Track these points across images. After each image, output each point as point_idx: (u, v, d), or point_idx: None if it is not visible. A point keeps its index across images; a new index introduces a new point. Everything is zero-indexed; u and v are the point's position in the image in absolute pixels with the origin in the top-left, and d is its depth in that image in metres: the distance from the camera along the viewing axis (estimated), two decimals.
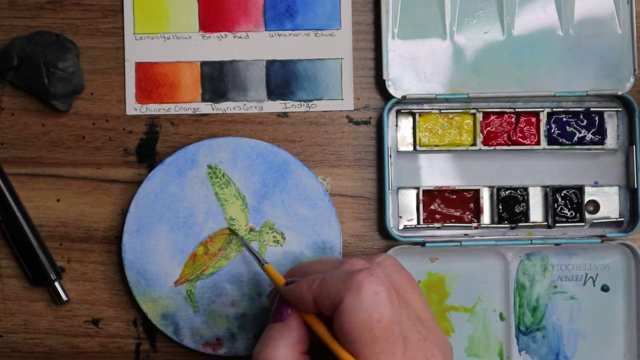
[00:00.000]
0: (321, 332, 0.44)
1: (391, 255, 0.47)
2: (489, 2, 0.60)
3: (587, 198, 0.59)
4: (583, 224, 0.59)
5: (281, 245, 0.58)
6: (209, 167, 0.58)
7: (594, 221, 0.59)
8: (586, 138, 0.60)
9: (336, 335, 0.43)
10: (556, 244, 0.59)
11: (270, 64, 0.60)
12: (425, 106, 0.59)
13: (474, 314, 0.59)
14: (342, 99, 0.60)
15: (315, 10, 0.60)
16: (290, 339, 0.44)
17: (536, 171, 0.60)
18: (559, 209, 0.59)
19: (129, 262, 0.57)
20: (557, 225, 0.59)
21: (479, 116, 0.59)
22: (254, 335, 0.57)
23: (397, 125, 0.60)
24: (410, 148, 0.59)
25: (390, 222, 0.58)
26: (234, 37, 0.60)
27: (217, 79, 0.60)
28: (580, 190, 0.59)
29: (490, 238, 0.59)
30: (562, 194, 0.59)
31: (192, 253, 0.57)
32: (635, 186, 0.59)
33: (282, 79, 0.60)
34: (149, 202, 0.57)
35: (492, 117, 0.60)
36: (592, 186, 0.60)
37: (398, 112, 0.60)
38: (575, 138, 0.60)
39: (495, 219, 0.59)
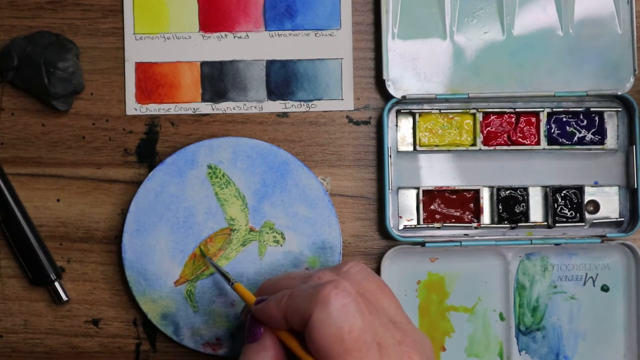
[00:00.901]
0: (295, 348, 0.44)
1: (358, 262, 0.47)
2: (489, 2, 0.60)
3: (587, 198, 0.59)
4: (583, 224, 0.59)
5: (281, 245, 0.58)
6: (209, 167, 0.58)
7: (594, 221, 0.59)
8: (586, 138, 0.60)
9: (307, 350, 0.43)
10: (556, 244, 0.59)
11: (270, 64, 0.60)
12: (425, 106, 0.59)
13: (474, 314, 0.59)
14: (342, 99, 0.60)
15: (315, 10, 0.60)
16: (267, 359, 0.44)
17: (536, 171, 0.60)
18: (559, 209, 0.59)
19: (129, 262, 0.57)
20: (557, 225, 0.59)
21: (479, 116, 0.59)
22: None
23: (397, 125, 0.60)
24: (410, 148, 0.59)
25: (390, 222, 0.58)
26: (234, 37, 0.60)
27: (217, 79, 0.60)
28: (580, 190, 0.59)
29: (490, 238, 0.59)
30: (562, 194, 0.59)
31: (192, 253, 0.57)
32: (635, 186, 0.59)
33: (282, 79, 0.60)
34: (149, 202, 0.57)
35: (492, 117, 0.60)
36: (592, 186, 0.60)
37: (398, 112, 0.60)
38: (575, 138, 0.60)
39: (495, 219, 0.59)
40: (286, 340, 0.45)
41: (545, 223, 0.59)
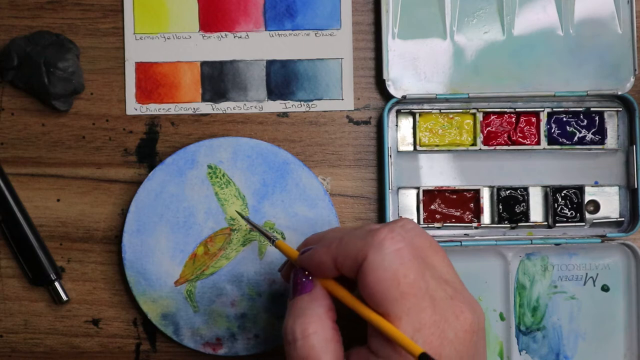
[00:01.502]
0: (344, 296, 0.42)
1: (411, 219, 0.45)
2: (489, 2, 0.60)
3: (587, 198, 0.59)
4: (583, 224, 0.59)
5: None
6: (209, 167, 0.58)
7: (594, 221, 0.59)
8: (586, 138, 0.60)
9: (361, 298, 0.42)
10: (556, 244, 0.59)
11: (270, 64, 0.60)
12: (426, 106, 0.59)
13: None
14: (342, 99, 0.60)
15: (315, 10, 0.60)
16: (322, 308, 0.43)
17: (536, 171, 0.60)
18: (559, 209, 0.59)
19: (129, 262, 0.57)
20: (557, 225, 0.59)
21: (479, 116, 0.59)
22: (254, 335, 0.57)
23: (397, 125, 0.60)
24: (411, 148, 0.59)
25: None
26: (234, 37, 0.60)
27: (217, 79, 0.60)
28: (580, 190, 0.59)
29: (491, 238, 0.59)
30: (563, 194, 0.59)
31: (192, 253, 0.57)
32: (636, 186, 0.59)
33: (282, 79, 0.60)
34: (149, 202, 0.57)
35: (492, 117, 0.60)
36: (592, 186, 0.60)
37: (398, 112, 0.60)
38: (576, 138, 0.60)
39: (496, 218, 0.59)
40: (334, 290, 0.43)
41: (546, 223, 0.59)
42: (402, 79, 0.59)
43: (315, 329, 0.42)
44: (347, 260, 0.42)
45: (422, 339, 0.40)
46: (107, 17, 0.60)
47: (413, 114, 0.59)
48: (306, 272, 0.44)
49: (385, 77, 0.59)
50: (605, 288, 0.60)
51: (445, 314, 0.41)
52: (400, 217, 0.45)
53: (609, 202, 0.60)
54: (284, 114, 0.60)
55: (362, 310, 0.41)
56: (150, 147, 0.60)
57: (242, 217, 0.55)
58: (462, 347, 0.41)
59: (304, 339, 0.42)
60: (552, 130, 0.60)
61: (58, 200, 0.59)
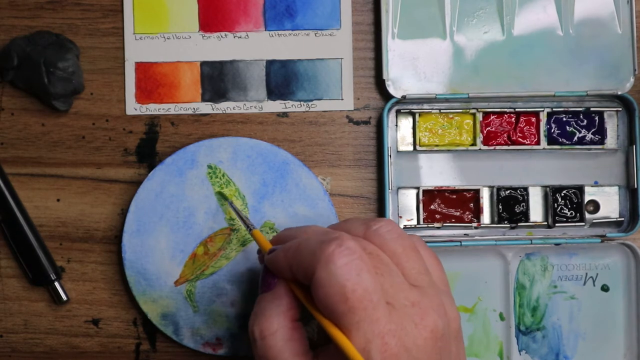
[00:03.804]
0: (303, 300, 0.43)
1: (392, 221, 0.45)
2: (489, 2, 0.60)
3: (587, 198, 0.59)
4: (583, 223, 0.59)
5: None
6: (209, 167, 0.58)
7: (594, 221, 0.59)
8: (586, 138, 0.60)
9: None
10: (556, 244, 0.59)
11: (270, 64, 0.60)
12: (425, 106, 0.59)
13: (474, 313, 0.59)
14: (342, 99, 0.60)
15: (315, 10, 0.60)
16: (281, 307, 0.43)
17: (536, 171, 0.60)
18: (559, 209, 0.59)
19: (129, 262, 0.57)
20: (557, 225, 0.59)
21: (479, 116, 0.59)
22: None
23: (397, 125, 0.60)
24: (410, 148, 0.59)
25: None
26: (234, 37, 0.60)
27: (217, 79, 0.60)
28: (580, 190, 0.59)
29: (490, 238, 0.59)
30: (562, 194, 0.59)
31: (192, 253, 0.57)
32: (635, 186, 0.59)
33: (282, 79, 0.60)
34: (149, 202, 0.57)
35: (492, 117, 0.60)
36: (592, 186, 0.60)
37: (398, 112, 0.60)
38: (575, 138, 0.60)
39: (495, 218, 0.59)
40: (295, 291, 0.44)
41: (545, 223, 0.59)
42: (401, 79, 0.59)
43: (273, 329, 0.43)
44: (301, 271, 0.42)
45: (375, 349, 0.39)
46: (107, 17, 0.60)
47: (413, 114, 0.59)
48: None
49: (385, 77, 0.59)
50: (605, 288, 0.60)
51: (403, 322, 0.40)
52: (387, 218, 0.45)
53: (609, 202, 0.60)
54: (284, 114, 0.60)
55: (319, 318, 0.42)
56: (150, 147, 0.60)
57: (226, 199, 0.56)
58: (423, 355, 0.40)
59: (263, 339, 0.43)
60: (552, 130, 0.60)
61: (58, 200, 0.60)
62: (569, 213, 0.59)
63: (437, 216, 0.59)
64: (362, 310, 0.40)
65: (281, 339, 0.43)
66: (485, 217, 0.60)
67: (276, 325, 0.43)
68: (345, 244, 0.41)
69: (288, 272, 0.43)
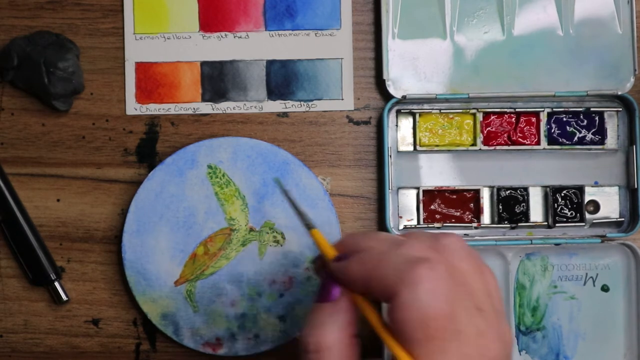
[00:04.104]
0: (372, 319, 0.41)
1: (460, 237, 0.43)
2: (489, 2, 0.60)
3: (587, 198, 0.59)
4: (583, 224, 0.59)
5: (281, 245, 0.58)
6: (209, 167, 0.58)
7: (594, 221, 0.59)
8: (586, 138, 0.60)
9: (386, 323, 0.40)
10: (556, 244, 0.59)
11: (270, 64, 0.60)
12: (426, 106, 0.59)
13: None
14: (342, 99, 0.60)
15: (315, 10, 0.60)
16: (341, 322, 0.41)
17: (536, 171, 0.60)
18: (559, 209, 0.59)
19: (129, 262, 0.57)
20: (557, 225, 0.59)
21: (479, 116, 0.59)
22: (254, 335, 0.57)
23: (397, 125, 0.60)
24: (411, 148, 0.59)
25: (391, 222, 0.58)
26: (234, 37, 0.60)
27: (217, 79, 0.60)
28: (580, 190, 0.59)
29: (491, 238, 0.59)
30: (562, 194, 0.59)
31: (192, 253, 0.57)
32: (636, 186, 0.59)
33: (282, 79, 0.60)
34: (149, 202, 0.57)
35: (492, 117, 0.60)
36: (592, 186, 0.60)
37: (398, 112, 0.60)
38: (576, 138, 0.60)
39: (496, 219, 0.59)
40: (363, 308, 0.41)
41: (546, 223, 0.59)
42: (402, 79, 0.59)
43: (330, 344, 0.41)
44: (379, 288, 0.40)
45: None
46: (107, 17, 0.60)
47: (413, 114, 0.59)
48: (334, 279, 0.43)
49: (385, 77, 0.59)
50: (605, 288, 0.60)
51: (471, 354, 0.39)
52: (449, 234, 0.43)
53: (609, 202, 0.60)
54: (284, 114, 0.60)
55: (387, 341, 0.40)
56: (150, 147, 0.60)
57: (281, 186, 0.54)
58: None
59: (317, 352, 0.41)
60: (552, 130, 0.60)
61: (58, 200, 0.59)
62: (569, 213, 0.59)
63: (437, 216, 0.59)
64: (439, 340, 0.38)
65: (337, 355, 0.41)
66: (486, 217, 0.60)
67: (333, 339, 0.41)
68: (437, 267, 0.39)
69: (361, 285, 0.41)
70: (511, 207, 0.59)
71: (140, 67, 0.60)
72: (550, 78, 0.59)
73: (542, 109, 0.59)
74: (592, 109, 0.59)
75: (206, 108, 0.60)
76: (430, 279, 0.39)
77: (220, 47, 0.60)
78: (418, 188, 0.59)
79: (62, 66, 0.57)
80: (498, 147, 0.59)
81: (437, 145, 0.59)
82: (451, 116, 0.60)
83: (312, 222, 0.45)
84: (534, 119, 0.60)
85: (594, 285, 0.60)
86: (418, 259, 0.39)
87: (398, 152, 0.60)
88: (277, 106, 0.60)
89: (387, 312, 0.40)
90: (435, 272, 0.39)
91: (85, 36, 0.60)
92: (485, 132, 0.60)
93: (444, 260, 0.40)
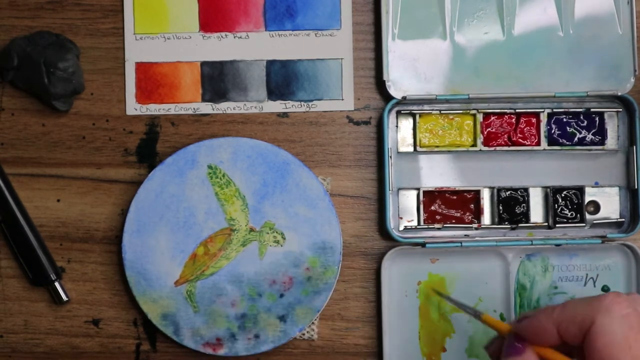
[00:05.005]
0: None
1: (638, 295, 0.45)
2: (489, 3, 0.60)
3: (587, 199, 0.59)
4: (583, 224, 0.59)
5: (281, 246, 0.57)
6: (209, 167, 0.58)
7: (595, 222, 0.59)
8: (586, 139, 0.60)
9: None
10: (557, 245, 0.59)
11: (270, 64, 0.60)
12: (426, 107, 0.59)
13: None
14: (342, 99, 0.60)
15: (315, 11, 0.60)
16: None
17: (536, 172, 0.60)
18: (559, 210, 0.59)
19: (129, 262, 0.57)
20: (557, 226, 0.59)
21: (479, 117, 0.59)
22: (254, 336, 0.57)
23: (397, 126, 0.60)
24: (411, 149, 0.59)
25: (391, 223, 0.58)
26: (234, 37, 0.60)
27: (217, 79, 0.60)
28: (580, 190, 0.59)
29: (491, 239, 0.59)
30: (563, 195, 0.59)
31: (192, 253, 0.57)
32: (636, 187, 0.59)
33: (282, 79, 0.60)
34: (149, 202, 0.57)
35: (493, 118, 0.60)
36: (592, 187, 0.60)
37: (398, 113, 0.60)
38: (576, 139, 0.60)
39: (496, 219, 0.59)
40: (552, 357, 0.44)
41: (546, 224, 0.59)
42: (402, 79, 0.59)
43: None
44: (572, 326, 0.42)
45: None
46: (107, 17, 0.60)
47: (413, 115, 0.59)
48: (519, 337, 0.45)
49: (385, 77, 0.59)
50: (605, 289, 0.60)
51: None
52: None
53: (609, 203, 0.60)
54: (284, 114, 0.60)
55: None
56: (150, 147, 0.60)
57: (442, 295, 0.56)
58: None
59: None
60: (552, 131, 0.60)
61: (58, 200, 0.59)
62: (569, 214, 0.59)
63: (438, 217, 0.59)
64: None
65: None
66: (486, 218, 0.59)
67: None
68: (622, 296, 0.41)
69: (552, 332, 0.43)
70: (511, 207, 0.59)
71: (141, 67, 0.60)
72: (550, 79, 0.59)
73: (542, 110, 0.59)
74: (592, 110, 0.59)
75: (206, 108, 0.60)
76: (622, 305, 0.41)
77: (221, 47, 0.60)
78: (418, 189, 0.59)
79: (62, 66, 0.57)
80: (498, 148, 0.59)
81: (437, 146, 0.59)
82: (451, 117, 0.59)
83: (479, 311, 0.50)
84: (534, 120, 0.60)
85: (595, 286, 0.60)
86: (604, 294, 0.42)
87: (398, 152, 0.60)
88: (277, 106, 0.60)
89: (587, 346, 0.41)
90: (623, 300, 0.41)
91: (86, 36, 0.60)
92: (485, 132, 0.60)
93: (628, 298, 0.42)
